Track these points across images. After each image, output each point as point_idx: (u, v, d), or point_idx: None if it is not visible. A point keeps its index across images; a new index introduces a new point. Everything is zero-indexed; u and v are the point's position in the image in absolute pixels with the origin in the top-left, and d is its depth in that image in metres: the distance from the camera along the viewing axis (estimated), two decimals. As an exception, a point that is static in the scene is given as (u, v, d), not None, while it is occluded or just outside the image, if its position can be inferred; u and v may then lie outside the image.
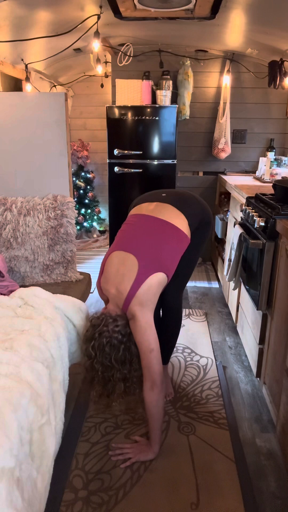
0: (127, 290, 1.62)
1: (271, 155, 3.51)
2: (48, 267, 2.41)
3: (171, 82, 3.51)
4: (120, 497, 1.51)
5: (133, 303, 1.62)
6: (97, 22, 2.56)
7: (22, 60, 3.09)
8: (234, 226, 2.47)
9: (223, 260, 3.26)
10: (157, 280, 1.66)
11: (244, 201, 2.47)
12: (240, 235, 2.24)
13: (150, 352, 1.60)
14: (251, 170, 3.86)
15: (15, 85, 3.27)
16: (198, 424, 1.89)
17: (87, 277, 2.55)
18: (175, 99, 3.65)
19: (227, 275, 2.56)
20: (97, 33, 2.60)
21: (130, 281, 1.63)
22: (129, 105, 3.37)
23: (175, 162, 3.45)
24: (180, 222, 1.80)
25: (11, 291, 2.09)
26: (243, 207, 2.35)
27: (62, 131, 2.39)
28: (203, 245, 2.00)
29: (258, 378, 2.15)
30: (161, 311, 2.08)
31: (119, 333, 1.63)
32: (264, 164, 3.23)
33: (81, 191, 4.70)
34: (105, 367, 1.64)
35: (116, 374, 1.64)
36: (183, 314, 2.93)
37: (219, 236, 3.41)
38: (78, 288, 2.36)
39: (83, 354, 1.71)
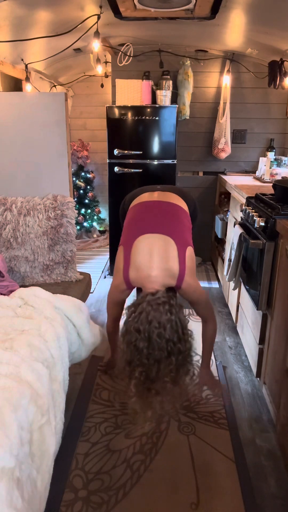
0: (177, 267, 1.68)
1: (271, 155, 3.51)
2: (48, 267, 2.41)
3: (171, 82, 3.51)
4: (120, 497, 1.51)
5: (186, 275, 1.70)
6: (97, 22, 2.56)
7: (22, 60, 3.09)
8: (234, 226, 2.47)
9: (223, 260, 3.26)
10: (191, 253, 1.78)
11: (244, 201, 2.47)
12: (240, 235, 2.24)
13: (208, 299, 1.89)
14: (251, 170, 3.86)
15: (15, 85, 3.27)
16: (198, 424, 1.89)
17: (87, 277, 2.55)
18: (175, 99, 3.65)
19: (227, 275, 2.56)
20: (97, 33, 2.60)
21: (175, 258, 1.68)
22: (129, 105, 3.37)
23: (175, 162, 3.45)
24: (184, 205, 1.97)
25: (11, 291, 2.09)
26: (243, 207, 2.35)
27: (62, 131, 2.39)
28: (193, 235, 2.08)
29: (258, 378, 2.15)
30: None
31: (165, 304, 1.50)
32: (264, 164, 3.23)
33: (81, 191, 4.70)
34: (160, 350, 1.44)
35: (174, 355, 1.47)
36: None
37: (219, 236, 3.41)
38: (78, 288, 2.36)
39: (126, 349, 1.48)
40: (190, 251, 1.79)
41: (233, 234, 2.43)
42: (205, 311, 1.90)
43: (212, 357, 2.42)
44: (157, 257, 1.68)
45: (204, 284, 3.60)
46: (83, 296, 2.35)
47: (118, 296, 1.83)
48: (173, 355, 1.45)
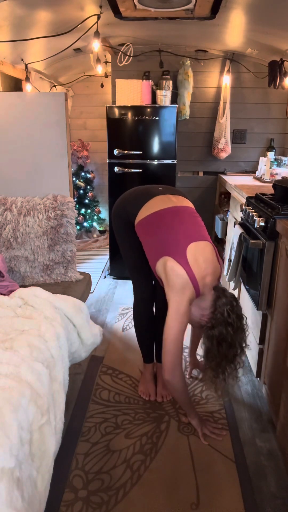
0: (219, 266, 1.79)
1: (271, 155, 3.51)
2: (48, 267, 2.41)
3: (171, 82, 3.51)
4: (120, 497, 1.51)
5: (223, 272, 1.85)
6: (97, 22, 2.56)
7: (22, 60, 3.09)
8: (234, 226, 2.47)
9: (223, 260, 3.26)
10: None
11: (244, 201, 2.47)
12: (240, 235, 2.24)
13: None
14: (251, 170, 3.86)
15: (15, 85, 3.27)
16: (198, 424, 1.88)
17: (87, 277, 2.55)
18: (175, 99, 3.65)
19: (227, 275, 2.56)
20: (97, 33, 2.60)
21: (217, 262, 1.78)
22: (129, 105, 3.37)
23: (175, 162, 3.45)
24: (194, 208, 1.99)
25: (11, 291, 2.09)
26: (243, 207, 2.35)
27: (62, 131, 2.38)
28: None
29: (258, 378, 2.15)
30: (154, 308, 2.09)
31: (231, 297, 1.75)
32: (264, 164, 3.23)
33: (81, 191, 4.70)
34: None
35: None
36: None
37: (219, 236, 3.41)
38: (78, 288, 2.36)
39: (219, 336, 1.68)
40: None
41: (233, 234, 2.42)
42: None
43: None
44: (211, 264, 1.73)
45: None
46: (83, 296, 2.35)
47: (188, 308, 1.69)
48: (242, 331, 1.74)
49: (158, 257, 1.71)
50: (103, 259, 4.23)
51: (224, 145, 3.70)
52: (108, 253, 3.84)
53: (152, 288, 2.08)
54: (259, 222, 1.94)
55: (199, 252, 1.70)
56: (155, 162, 3.43)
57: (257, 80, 3.65)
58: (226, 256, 2.85)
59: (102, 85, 4.38)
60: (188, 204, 1.93)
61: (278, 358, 1.77)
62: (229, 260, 2.52)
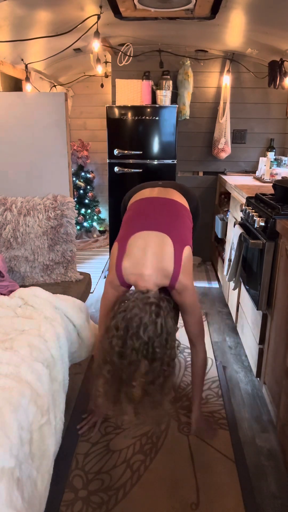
0: (172, 266, 1.59)
1: (271, 155, 3.51)
2: (48, 267, 2.41)
3: (171, 82, 3.51)
4: (120, 497, 1.51)
5: (181, 276, 1.59)
6: (97, 22, 2.56)
7: (22, 60, 3.09)
8: (234, 226, 2.47)
9: (223, 260, 3.26)
10: (188, 253, 1.68)
11: (244, 201, 2.47)
12: (240, 235, 2.24)
13: (201, 316, 1.75)
14: (251, 170, 3.86)
15: (15, 85, 3.27)
16: (198, 424, 1.88)
17: (87, 277, 2.55)
18: (175, 99, 3.65)
19: (227, 275, 2.56)
20: (97, 33, 2.60)
21: (171, 257, 1.60)
22: (129, 105, 3.37)
23: (175, 162, 3.45)
24: (185, 202, 1.90)
25: (11, 291, 2.09)
26: (243, 207, 2.35)
27: (62, 131, 2.38)
28: (195, 233, 2.01)
29: (258, 378, 2.15)
30: None
31: (153, 304, 1.43)
32: (264, 164, 3.23)
33: (81, 191, 4.70)
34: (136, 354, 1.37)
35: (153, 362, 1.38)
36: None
37: (219, 236, 3.41)
38: (78, 288, 2.36)
39: (108, 343, 1.42)
40: (188, 251, 1.69)
41: (233, 234, 2.42)
42: (196, 326, 1.73)
43: (212, 357, 2.42)
44: (151, 255, 1.60)
45: (204, 284, 3.60)
46: (83, 296, 2.35)
47: (111, 292, 1.68)
48: (147, 360, 1.37)
49: (115, 241, 1.77)
50: (103, 259, 4.23)
51: (224, 145, 3.70)
52: (108, 253, 3.84)
53: None
54: (259, 222, 1.94)
55: (141, 241, 1.64)
56: (155, 162, 3.43)
57: (257, 80, 3.65)
58: (226, 256, 2.85)
59: (102, 85, 4.38)
60: (175, 198, 1.89)
61: (278, 358, 1.77)
62: (229, 260, 2.52)
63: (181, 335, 1.85)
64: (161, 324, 1.39)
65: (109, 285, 1.69)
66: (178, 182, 3.80)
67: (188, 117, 3.70)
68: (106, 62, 4.09)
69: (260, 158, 3.43)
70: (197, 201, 2.11)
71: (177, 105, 3.43)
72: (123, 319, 1.40)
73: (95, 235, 4.88)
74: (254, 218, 2.03)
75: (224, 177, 3.57)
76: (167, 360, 1.41)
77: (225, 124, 3.67)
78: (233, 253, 2.37)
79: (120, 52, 3.53)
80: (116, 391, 1.43)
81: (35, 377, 1.37)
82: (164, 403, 1.46)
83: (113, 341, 1.39)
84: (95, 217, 4.86)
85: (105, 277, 3.75)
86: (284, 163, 3.28)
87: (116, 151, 3.41)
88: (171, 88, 3.51)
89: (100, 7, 2.46)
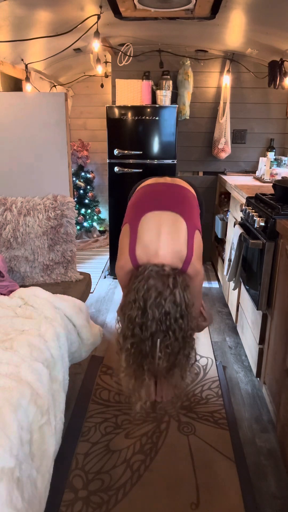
0: (185, 249, 1.53)
1: (271, 155, 3.51)
2: (48, 267, 2.41)
3: (171, 82, 3.51)
4: (120, 497, 1.51)
5: (193, 259, 1.53)
6: (97, 22, 2.56)
7: (22, 60, 3.09)
8: (234, 226, 2.47)
9: (223, 260, 3.26)
10: (199, 238, 1.62)
11: (244, 201, 2.47)
12: (240, 235, 2.24)
13: (201, 291, 1.75)
14: (251, 170, 3.86)
15: (15, 85, 3.27)
16: (198, 424, 1.89)
17: (87, 277, 2.55)
18: (175, 99, 3.65)
19: (227, 275, 2.56)
20: (97, 33, 2.60)
21: (185, 239, 1.54)
22: (129, 105, 3.37)
23: (175, 162, 3.45)
24: (193, 192, 1.86)
25: (11, 291, 2.09)
26: (243, 207, 2.35)
27: (62, 131, 2.39)
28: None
29: (258, 378, 2.15)
30: None
31: (170, 276, 1.41)
32: (264, 164, 3.23)
33: (81, 191, 4.70)
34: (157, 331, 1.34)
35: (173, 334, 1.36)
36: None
37: (219, 236, 3.41)
38: (78, 288, 2.36)
39: (125, 320, 1.39)
40: (198, 235, 1.62)
41: (233, 234, 2.43)
42: (196, 299, 1.63)
43: (212, 357, 2.42)
44: (166, 235, 1.52)
45: (204, 284, 3.60)
46: (83, 296, 2.35)
47: (125, 278, 1.58)
48: (170, 331, 1.34)
49: (123, 224, 1.69)
50: (103, 259, 4.23)
51: (224, 145, 3.70)
52: (108, 253, 3.84)
53: None
54: (259, 222, 1.94)
55: (155, 220, 1.56)
56: (155, 162, 3.43)
57: (257, 80, 3.65)
58: (226, 256, 2.85)
59: (102, 85, 4.39)
60: (184, 185, 1.84)
61: (278, 358, 1.77)
62: (229, 260, 2.52)
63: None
64: (180, 295, 1.37)
65: (121, 270, 1.60)
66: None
67: (188, 117, 3.71)
68: (106, 62, 4.09)
69: (260, 158, 3.43)
70: (201, 199, 2.06)
71: (177, 105, 3.43)
72: (139, 290, 1.36)
73: (95, 235, 4.88)
74: (254, 218, 2.03)
75: (224, 177, 3.57)
76: (190, 331, 1.39)
77: (225, 124, 3.67)
78: (233, 253, 2.37)
79: (120, 52, 3.53)
80: (138, 366, 1.40)
81: (35, 377, 1.37)
82: (187, 376, 1.45)
83: (132, 312, 1.36)
84: (95, 217, 4.86)
85: (105, 277, 3.75)
86: (284, 163, 3.28)
87: (116, 151, 3.41)
88: (171, 88, 3.51)
89: (100, 7, 2.46)
